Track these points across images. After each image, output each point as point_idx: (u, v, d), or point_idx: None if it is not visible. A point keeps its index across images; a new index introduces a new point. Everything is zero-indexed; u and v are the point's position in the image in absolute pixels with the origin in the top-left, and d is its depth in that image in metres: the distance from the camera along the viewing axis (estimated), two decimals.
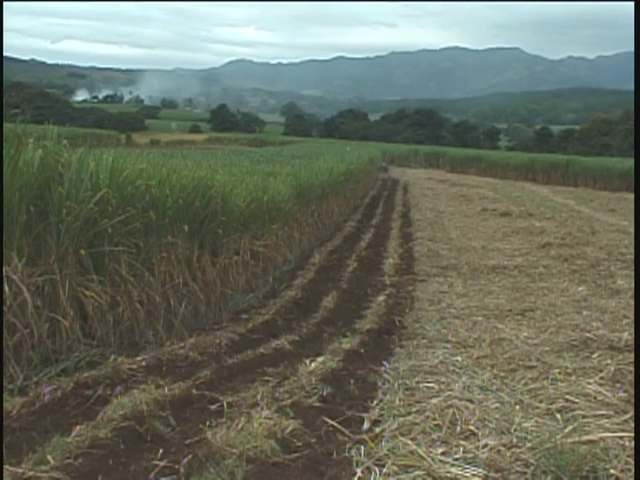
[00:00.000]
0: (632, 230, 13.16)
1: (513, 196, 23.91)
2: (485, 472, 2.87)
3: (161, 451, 3.05)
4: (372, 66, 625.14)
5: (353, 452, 3.12)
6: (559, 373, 4.28)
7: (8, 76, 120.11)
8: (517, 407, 3.68)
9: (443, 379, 4.24)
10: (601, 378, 4.16)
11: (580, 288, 7.83)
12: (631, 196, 24.46)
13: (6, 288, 4.03)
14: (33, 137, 4.76)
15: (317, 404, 3.78)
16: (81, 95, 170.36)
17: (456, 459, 3.00)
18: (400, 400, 3.84)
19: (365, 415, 3.67)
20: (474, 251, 10.98)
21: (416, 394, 3.97)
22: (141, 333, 5.12)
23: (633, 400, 3.66)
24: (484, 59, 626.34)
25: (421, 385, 4.14)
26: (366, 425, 3.53)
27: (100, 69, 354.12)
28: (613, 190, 31.11)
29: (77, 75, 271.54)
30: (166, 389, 3.85)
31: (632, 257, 9.60)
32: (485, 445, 3.13)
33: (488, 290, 7.87)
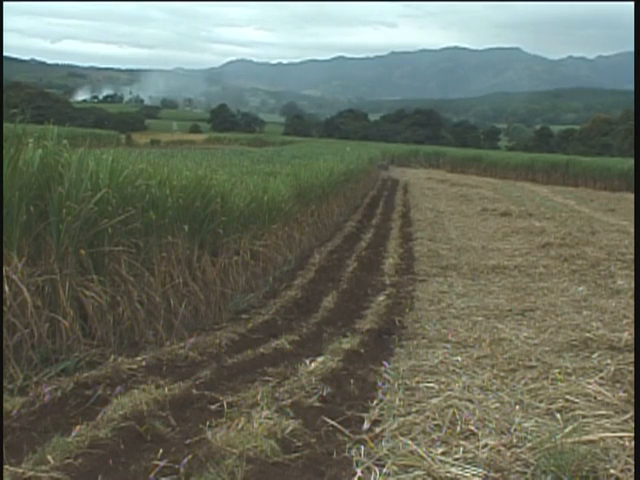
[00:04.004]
0: (632, 230, 13.16)
1: (513, 196, 23.91)
2: (485, 472, 2.87)
3: (161, 451, 3.05)
4: (372, 66, 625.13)
5: (353, 452, 3.12)
6: (559, 373, 4.28)
7: (8, 76, 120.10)
8: (517, 407, 3.68)
9: (443, 379, 4.24)
10: (601, 378, 4.16)
11: (580, 288, 7.83)
12: (631, 196, 24.46)
13: (6, 288, 4.03)
14: (33, 137, 4.75)
15: (317, 404, 3.78)
16: (81, 95, 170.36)
17: (456, 459, 3.00)
18: (400, 400, 3.84)
19: (365, 415, 3.68)
20: (474, 251, 10.98)
21: (416, 394, 3.97)
22: (141, 333, 5.12)
23: (633, 400, 3.66)
24: (484, 59, 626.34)
25: (421, 385, 4.14)
26: (366, 425, 3.53)
27: (100, 69, 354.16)
28: (613, 190, 31.11)
29: (77, 75, 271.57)
30: (166, 389, 3.85)
31: (632, 257, 9.60)
32: (485, 445, 3.14)
33: (488, 290, 7.87)
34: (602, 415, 3.51)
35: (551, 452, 2.98)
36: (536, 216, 16.48)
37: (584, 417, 3.48)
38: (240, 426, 3.28)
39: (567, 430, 3.22)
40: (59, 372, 4.15)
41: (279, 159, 17.12)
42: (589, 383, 4.03)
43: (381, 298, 7.46)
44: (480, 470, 2.88)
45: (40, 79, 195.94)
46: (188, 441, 3.21)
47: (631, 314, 6.07)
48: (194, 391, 3.92)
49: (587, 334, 5.28)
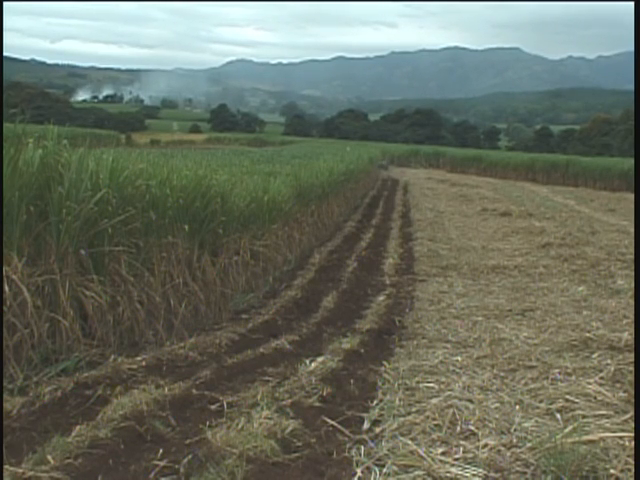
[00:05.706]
0: (632, 230, 13.16)
1: (513, 196, 23.91)
2: (485, 472, 2.87)
3: (161, 451, 3.05)
4: (372, 66, 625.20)
5: (353, 452, 3.12)
6: (559, 373, 4.28)
7: (8, 76, 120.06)
8: (517, 407, 3.68)
9: (443, 379, 4.24)
10: (601, 378, 4.16)
11: (580, 288, 7.83)
12: (631, 196, 24.46)
13: (6, 288, 4.03)
14: (33, 137, 4.75)
15: (317, 404, 3.78)
16: (81, 95, 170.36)
17: (456, 459, 3.00)
18: (400, 400, 3.84)
19: (365, 415, 3.68)
20: (474, 251, 10.98)
21: (416, 394, 3.97)
22: (141, 333, 5.12)
23: (633, 400, 3.66)
24: (484, 59, 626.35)
25: (421, 385, 4.14)
26: (366, 425, 3.53)
27: (100, 69, 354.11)
28: (613, 190, 31.12)
29: (77, 75, 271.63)
30: (166, 389, 3.85)
31: (632, 257, 9.60)
32: (485, 445, 3.14)
33: (488, 290, 7.86)
34: (602, 415, 3.51)
35: (551, 452, 2.98)
36: (536, 216, 16.48)
37: (584, 417, 3.48)
38: (240, 426, 3.29)
39: (567, 430, 3.22)
40: (59, 372, 4.15)
41: (279, 159, 17.11)
42: (589, 383, 4.03)
43: (381, 298, 7.46)
44: (480, 470, 2.89)
45: (40, 79, 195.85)
46: (188, 441, 3.21)
47: (631, 314, 6.07)
48: (194, 391, 3.92)
49: (587, 334, 5.28)
